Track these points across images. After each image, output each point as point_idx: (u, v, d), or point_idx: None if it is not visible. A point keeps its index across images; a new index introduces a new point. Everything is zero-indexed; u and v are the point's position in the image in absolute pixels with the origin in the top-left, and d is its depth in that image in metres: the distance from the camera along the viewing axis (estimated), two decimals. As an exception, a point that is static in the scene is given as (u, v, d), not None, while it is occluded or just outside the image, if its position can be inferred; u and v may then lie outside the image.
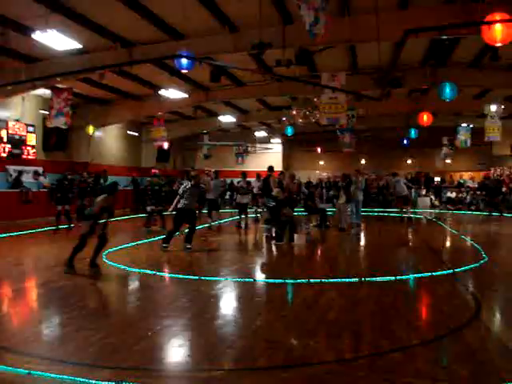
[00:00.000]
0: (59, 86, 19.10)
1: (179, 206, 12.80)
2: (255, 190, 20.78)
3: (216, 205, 18.76)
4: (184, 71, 14.66)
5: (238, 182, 20.39)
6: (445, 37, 14.72)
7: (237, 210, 19.55)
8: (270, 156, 36.35)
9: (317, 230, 17.37)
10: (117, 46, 16.14)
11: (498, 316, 7.25)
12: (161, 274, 9.89)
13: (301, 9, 11.13)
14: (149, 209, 17.32)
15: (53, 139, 23.67)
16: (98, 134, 27.02)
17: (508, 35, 10.33)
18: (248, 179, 19.64)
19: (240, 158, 36.98)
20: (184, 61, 13.57)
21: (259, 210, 21.39)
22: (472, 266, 10.47)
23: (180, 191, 13.00)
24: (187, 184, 13.07)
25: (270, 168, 16.56)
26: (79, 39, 14.22)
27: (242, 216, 18.72)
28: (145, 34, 15.64)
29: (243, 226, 18.72)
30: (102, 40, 15.81)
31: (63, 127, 19.53)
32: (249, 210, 19.37)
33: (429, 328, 6.58)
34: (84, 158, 26.00)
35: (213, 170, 17.12)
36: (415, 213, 24.54)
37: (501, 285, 9.22)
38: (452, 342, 5.84)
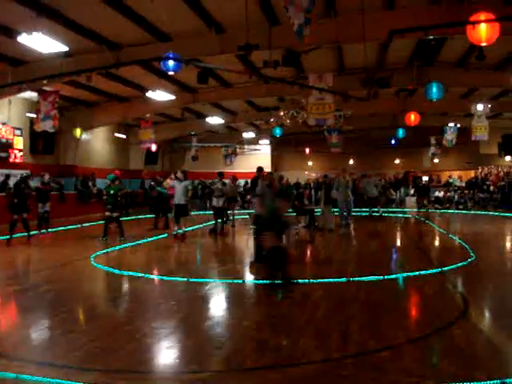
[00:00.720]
0: (46, 88, 19.02)
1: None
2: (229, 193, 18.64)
3: (185, 210, 15.73)
4: (171, 73, 14.66)
5: (212, 184, 18.24)
6: (431, 37, 14.78)
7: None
8: (258, 157, 36.36)
9: (305, 231, 17.37)
10: (103, 49, 16.10)
11: (485, 314, 7.29)
12: (148, 276, 9.85)
13: (288, 11, 11.15)
14: (107, 214, 15.47)
15: (40, 142, 23.60)
16: (85, 136, 26.91)
17: (493, 35, 10.39)
18: (224, 180, 18.05)
19: (228, 160, 36.98)
20: (171, 63, 13.57)
21: (235, 211, 20.20)
22: (460, 264, 10.52)
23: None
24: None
25: (259, 169, 16.52)
26: (65, 42, 14.16)
27: (219, 221, 17.33)
28: (131, 36, 15.62)
29: (218, 231, 17.18)
30: (88, 42, 15.76)
31: (51, 131, 19.43)
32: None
33: (416, 326, 6.63)
34: (71, 160, 25.92)
35: (180, 171, 16.15)
36: (404, 212, 24.70)
37: (488, 283, 9.28)
38: (440, 340, 5.87)
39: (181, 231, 15.47)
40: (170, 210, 17.51)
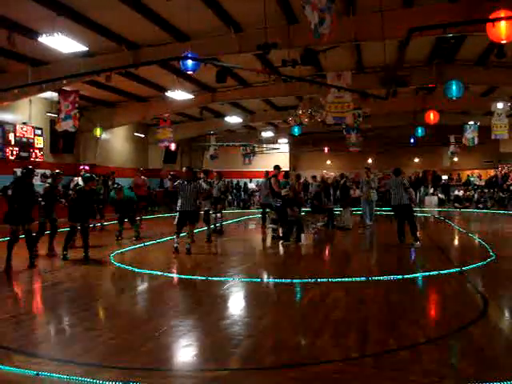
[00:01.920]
0: (66, 88, 19.17)
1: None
2: (215, 193, 15.82)
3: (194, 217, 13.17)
4: (190, 72, 14.71)
5: (188, 182, 12.54)
6: (450, 35, 14.68)
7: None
8: (277, 156, 36.25)
9: (324, 230, 17.35)
10: (122, 48, 16.23)
11: (505, 314, 7.22)
12: (168, 274, 9.90)
13: (305, 9, 11.13)
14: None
15: (60, 142, 23.82)
16: (105, 136, 27.13)
17: (513, 32, 10.31)
18: (210, 180, 15.77)
19: (247, 159, 37.02)
20: (189, 62, 13.63)
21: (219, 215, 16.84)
22: (479, 264, 10.46)
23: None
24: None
25: (277, 167, 16.49)
26: (85, 42, 14.30)
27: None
28: (150, 36, 15.69)
29: (207, 239, 14.74)
30: (107, 42, 15.89)
31: (71, 130, 19.58)
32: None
33: (436, 326, 6.58)
34: (92, 160, 26.11)
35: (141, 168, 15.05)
36: (423, 211, 24.48)
37: (508, 283, 9.20)
38: (459, 340, 5.83)
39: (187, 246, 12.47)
40: (134, 219, 15.27)
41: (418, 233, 13.85)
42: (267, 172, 18.40)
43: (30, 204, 10.55)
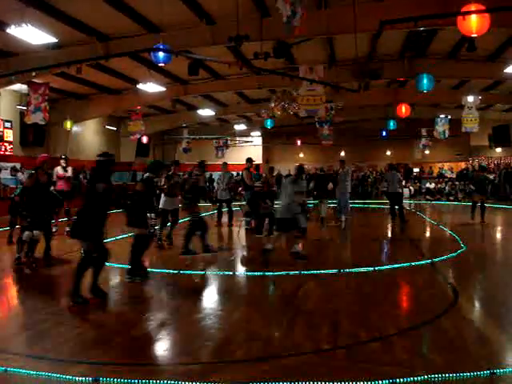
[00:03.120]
0: (36, 81, 18.89)
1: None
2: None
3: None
4: (162, 65, 14.60)
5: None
6: (421, 28, 14.77)
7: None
8: (250, 149, 36.23)
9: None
10: (93, 40, 16.02)
11: (475, 305, 7.32)
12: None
13: (277, 2, 11.13)
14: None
15: (30, 135, 23.47)
16: (76, 128, 26.82)
17: (483, 26, 10.39)
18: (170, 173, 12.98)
19: (220, 152, 36.83)
20: (161, 54, 13.52)
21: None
22: (450, 255, 10.57)
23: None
24: None
25: (249, 160, 16.42)
26: (55, 33, 14.13)
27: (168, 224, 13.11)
28: (121, 27, 15.53)
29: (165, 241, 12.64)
30: (78, 34, 15.67)
31: (41, 123, 19.31)
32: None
33: (407, 317, 6.64)
34: (62, 153, 25.80)
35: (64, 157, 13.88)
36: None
37: (478, 273, 9.32)
38: (430, 331, 5.90)
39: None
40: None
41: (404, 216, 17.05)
42: (225, 164, 18.11)
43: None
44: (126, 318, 6.45)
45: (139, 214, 8.88)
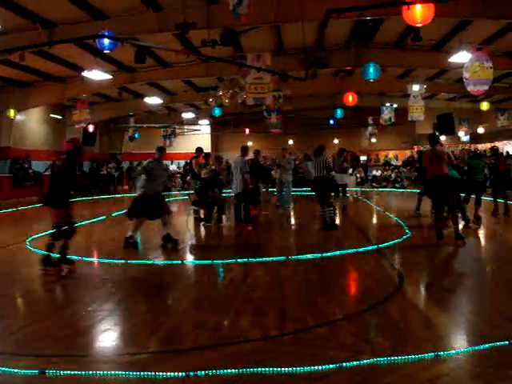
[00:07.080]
0: (-24, 68, 18.41)
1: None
2: None
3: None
4: (107, 52, 14.38)
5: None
6: (367, 18, 14.94)
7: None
8: (198, 138, 36.12)
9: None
10: (37, 26, 15.63)
11: (420, 289, 7.48)
12: (86, 259, 9.65)
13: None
14: None
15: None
16: (20, 117, 26.20)
17: (428, 16, 10.59)
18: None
19: (168, 141, 36.50)
20: (106, 41, 13.34)
21: None
22: (395, 241, 10.76)
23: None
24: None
25: (199, 149, 16.28)
26: (-4, 19, 13.75)
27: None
28: (65, 13, 15.23)
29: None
30: (20, 20, 15.28)
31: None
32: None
33: (353, 302, 6.75)
34: (5, 142, 25.21)
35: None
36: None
37: (422, 259, 9.52)
38: (375, 316, 6.00)
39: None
40: None
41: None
42: (162, 149, 12.22)
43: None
44: (73, 310, 6.36)
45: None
